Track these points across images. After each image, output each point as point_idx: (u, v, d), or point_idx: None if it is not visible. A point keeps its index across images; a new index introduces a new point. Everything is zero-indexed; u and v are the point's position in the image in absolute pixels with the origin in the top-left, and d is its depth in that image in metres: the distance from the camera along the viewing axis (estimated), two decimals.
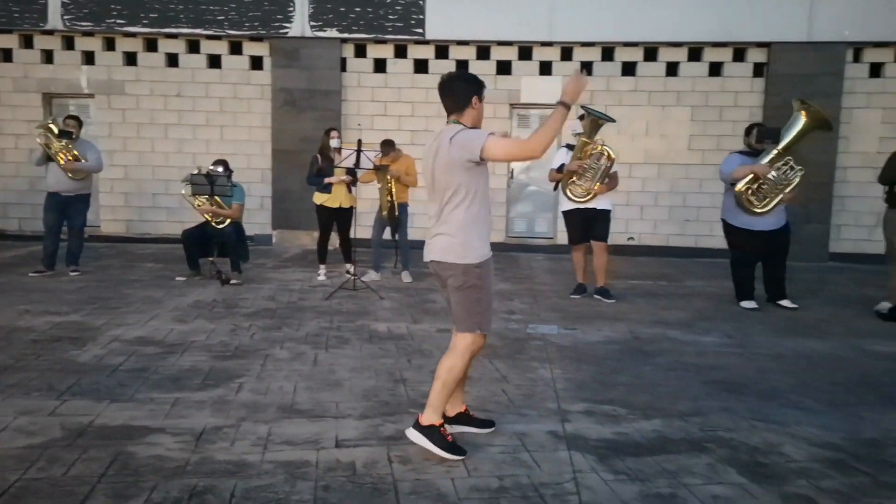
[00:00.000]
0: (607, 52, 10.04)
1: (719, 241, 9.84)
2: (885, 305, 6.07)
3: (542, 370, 4.26)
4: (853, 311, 6.27)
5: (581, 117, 6.62)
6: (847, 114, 9.62)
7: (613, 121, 6.61)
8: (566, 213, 6.73)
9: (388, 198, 7.07)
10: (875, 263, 8.85)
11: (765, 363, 4.54)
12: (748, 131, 6.46)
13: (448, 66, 10.14)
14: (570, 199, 6.60)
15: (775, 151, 6.04)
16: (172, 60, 10.32)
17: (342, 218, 7.46)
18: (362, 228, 8.10)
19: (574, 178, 6.54)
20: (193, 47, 10.29)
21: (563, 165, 6.58)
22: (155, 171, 10.46)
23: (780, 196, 6.07)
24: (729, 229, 6.41)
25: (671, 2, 9.51)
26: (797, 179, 6.05)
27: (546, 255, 9.97)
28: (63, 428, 3.16)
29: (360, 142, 6.53)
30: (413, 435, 2.97)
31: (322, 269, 7.52)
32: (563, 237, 10.05)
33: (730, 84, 9.88)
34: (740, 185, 6.11)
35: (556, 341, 4.99)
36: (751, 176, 6.06)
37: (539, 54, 10.08)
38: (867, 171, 9.56)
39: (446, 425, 3.01)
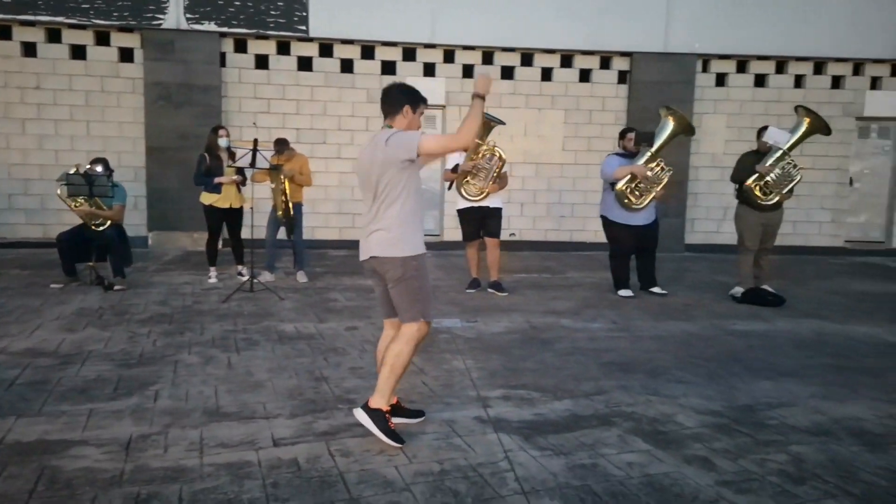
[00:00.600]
0: (487, 56, 10.47)
1: (591, 235, 10.71)
2: (738, 290, 6.89)
3: (455, 361, 4.50)
4: (712, 296, 7.04)
5: None
6: (697, 119, 10.66)
7: (503, 123, 6.97)
8: (461, 212, 7.02)
9: (283, 198, 7.01)
10: (723, 252, 9.95)
11: (648, 344, 5.05)
12: (623, 134, 7.05)
13: (333, 66, 10.15)
14: (464, 197, 6.90)
15: (649, 153, 6.66)
16: (30, 50, 9.54)
17: (232, 219, 7.31)
18: (251, 229, 7.95)
19: (468, 178, 6.84)
20: (54, 36, 9.56)
21: (457, 166, 6.86)
22: (11, 170, 9.62)
23: (654, 193, 6.70)
24: (608, 224, 6.98)
25: (545, 12, 10.08)
26: (667, 178, 6.70)
27: (435, 252, 10.22)
28: None
29: (256, 141, 6.44)
30: (359, 414, 3.15)
31: (213, 272, 7.33)
32: (449, 234, 10.43)
33: (598, 89, 10.64)
34: (620, 185, 6.69)
35: (462, 334, 5.25)
36: (629, 175, 6.64)
37: (423, 56, 10.33)
38: (715, 170, 10.71)
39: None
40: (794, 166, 6.60)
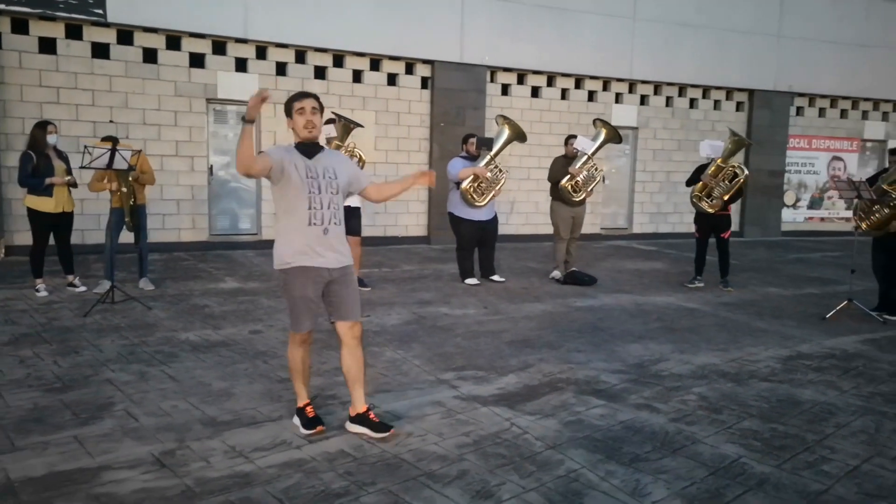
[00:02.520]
0: (300, 55, 10.57)
1: (403, 230, 11.50)
2: (557, 273, 8.18)
3: (388, 352, 4.90)
4: (538, 280, 8.23)
5: (330, 121, 7.21)
6: (488, 124, 11.99)
7: (361, 126, 7.33)
8: None
9: (131, 201, 6.54)
10: (532, 242, 11.41)
11: (525, 323, 5.93)
12: (465, 139, 7.88)
13: (135, 54, 9.43)
14: None
15: (489, 156, 7.57)
16: None
17: (63, 224, 6.63)
18: (76, 234, 7.24)
19: None
20: None
21: None
22: None
23: (494, 192, 7.64)
24: (455, 220, 7.77)
25: (355, 15, 10.50)
26: (504, 179, 7.69)
27: (255, 251, 10.11)
28: None
29: (115, 140, 5.95)
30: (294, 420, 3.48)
31: (41, 284, 6.55)
32: (267, 233, 10.37)
33: (404, 93, 11.37)
34: (465, 184, 7.50)
35: (367, 328, 5.60)
36: (472, 176, 7.49)
37: (234, 50, 10.08)
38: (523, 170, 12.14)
39: (348, 423, 3.43)
40: (596, 168, 8.05)
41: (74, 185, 6.58)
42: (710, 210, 7.77)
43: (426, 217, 11.78)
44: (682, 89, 13.65)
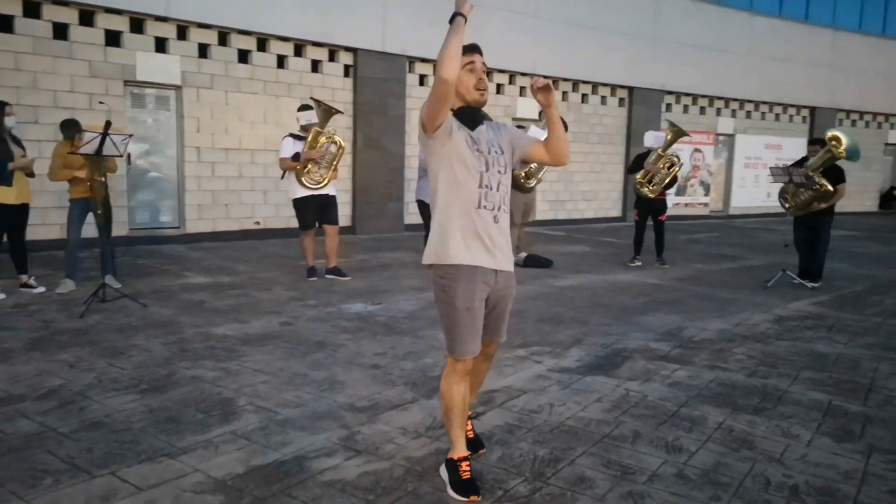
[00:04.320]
0: (223, 37, 10.01)
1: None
2: (520, 256, 8.59)
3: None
4: None
5: (306, 107, 7.04)
6: (408, 114, 12.12)
7: (341, 112, 7.19)
8: (298, 201, 7.04)
9: (105, 192, 5.95)
10: None
11: (531, 304, 6.22)
12: None
13: (44, 29, 8.46)
14: (305, 186, 6.95)
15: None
16: None
17: (18, 217, 5.93)
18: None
19: (309, 166, 6.93)
20: None
21: (298, 154, 6.87)
22: None
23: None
24: (426, 208, 7.87)
25: None
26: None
27: (185, 245, 9.48)
28: (213, 492, 2.54)
29: (108, 124, 5.38)
30: (441, 470, 2.74)
31: None
32: (192, 226, 9.79)
33: (328, 81, 11.17)
34: None
35: (395, 314, 5.63)
36: None
37: (154, 29, 9.33)
38: (418, 159, 12.34)
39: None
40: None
41: (32, 173, 5.88)
42: (650, 195, 8.57)
43: (350, 207, 11.64)
44: (575, 85, 14.63)
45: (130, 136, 5.86)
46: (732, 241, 12.30)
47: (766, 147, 18.36)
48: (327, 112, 6.94)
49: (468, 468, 2.66)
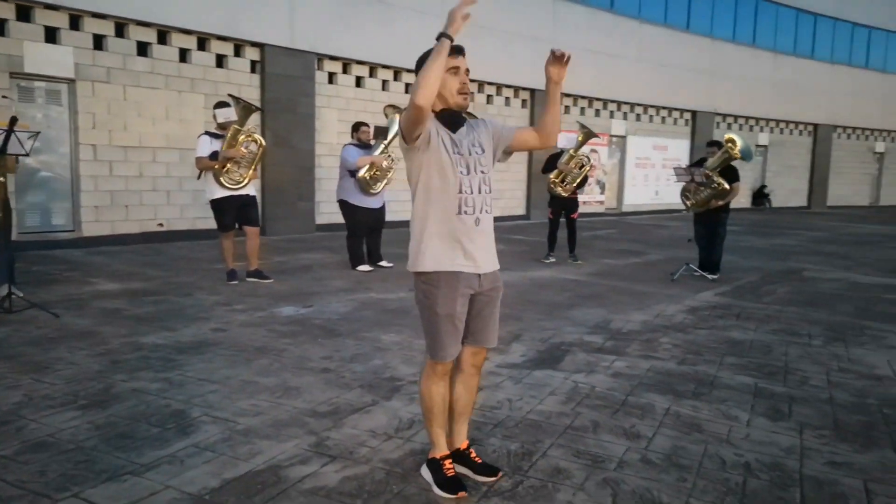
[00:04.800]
0: (120, 28, 9.43)
1: None
2: None
3: (385, 336, 4.97)
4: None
5: (223, 104, 6.79)
6: (318, 111, 11.92)
7: (261, 109, 6.96)
8: (217, 202, 6.77)
9: (4, 194, 5.47)
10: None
11: None
12: (357, 127, 7.90)
13: None
14: (224, 186, 6.70)
15: (384, 145, 7.75)
16: None
17: None
18: None
19: (228, 166, 6.68)
20: None
21: (216, 153, 6.61)
22: None
23: (387, 180, 7.84)
24: (350, 208, 7.78)
25: None
26: (394, 170, 7.94)
27: (81, 250, 8.86)
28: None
29: (14, 120, 4.92)
30: (424, 471, 2.75)
31: None
32: (89, 229, 9.19)
33: (233, 77, 10.78)
34: (363, 172, 7.58)
35: (318, 317, 5.55)
36: (369, 164, 7.61)
37: (43, 18, 8.65)
38: (331, 158, 12.17)
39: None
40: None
41: None
42: (564, 194, 8.90)
43: (260, 208, 11.27)
44: (481, 86, 14.91)
45: (38, 133, 5.41)
46: (630, 237, 12.98)
47: (654, 148, 19.51)
48: (247, 109, 6.72)
49: (451, 466, 2.70)
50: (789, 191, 24.01)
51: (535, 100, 15.90)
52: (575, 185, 8.90)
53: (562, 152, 8.97)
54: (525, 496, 2.63)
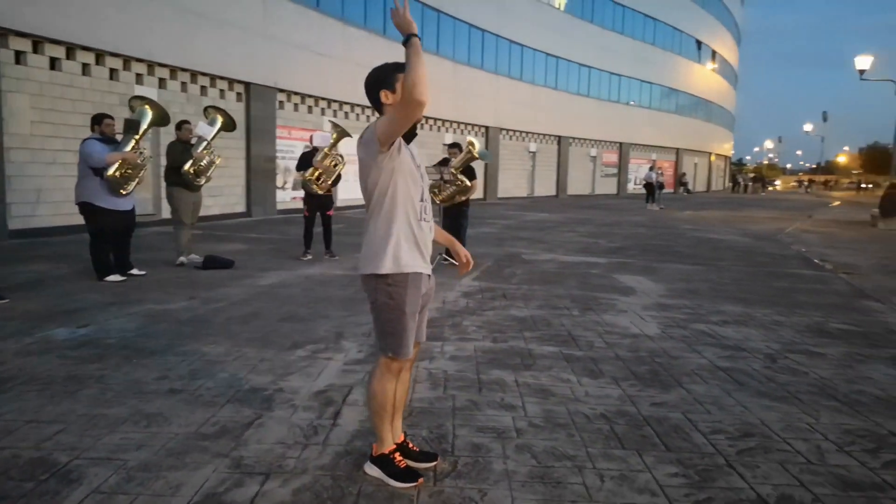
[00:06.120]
0: None
1: None
2: (194, 258, 8.11)
3: (206, 349, 4.66)
4: (177, 269, 7.94)
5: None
6: (4, 97, 10.03)
7: None
8: None
9: None
10: (72, 234, 10.03)
11: (248, 307, 6.14)
12: (99, 120, 6.93)
13: None
14: None
15: (134, 140, 6.96)
16: None
17: None
18: None
19: None
20: None
21: None
22: None
23: (138, 180, 7.08)
24: (96, 211, 6.83)
25: None
26: (147, 165, 7.20)
27: None
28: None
29: None
30: (370, 469, 2.84)
31: None
32: None
33: None
34: (112, 171, 6.74)
35: (108, 336, 4.95)
36: (120, 161, 6.80)
37: None
38: (25, 151, 10.40)
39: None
40: (214, 154, 8.31)
41: None
42: (319, 191, 9.02)
43: None
44: (194, 76, 14.03)
45: None
46: (357, 231, 13.52)
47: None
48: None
49: (402, 457, 2.84)
50: None
51: (251, 93, 15.49)
52: (330, 182, 9.07)
53: (315, 150, 9.06)
54: (469, 472, 2.89)
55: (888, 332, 5.85)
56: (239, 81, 15.21)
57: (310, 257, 9.13)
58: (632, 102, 39.54)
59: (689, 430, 3.46)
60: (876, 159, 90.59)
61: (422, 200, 2.73)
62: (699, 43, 46.65)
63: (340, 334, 5.17)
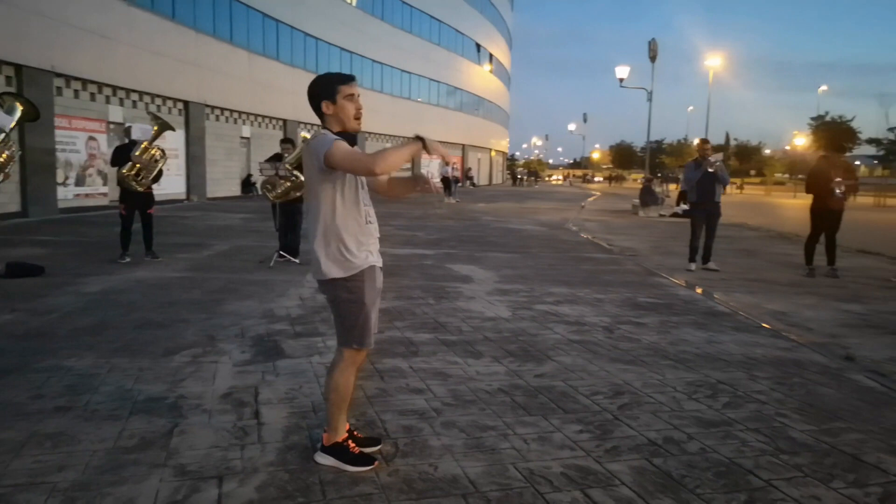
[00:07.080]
0: None
1: None
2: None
3: (69, 363, 4.26)
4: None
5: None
6: None
7: None
8: None
9: None
10: None
11: (93, 316, 5.66)
12: None
13: None
14: None
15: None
16: None
17: None
18: None
19: None
20: None
21: None
22: None
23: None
24: None
25: None
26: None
27: None
28: None
29: None
30: (322, 458, 2.93)
31: None
32: None
33: None
34: None
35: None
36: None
37: None
38: None
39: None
40: (14, 147, 7.42)
41: None
42: (140, 189, 8.40)
43: None
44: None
45: None
46: (168, 230, 12.70)
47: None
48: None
49: (354, 444, 2.97)
50: None
51: (23, 78, 13.68)
52: (151, 179, 8.49)
53: (133, 144, 8.41)
54: (414, 451, 3.11)
55: (684, 303, 7.02)
56: (8, 63, 13.37)
57: (129, 259, 8.47)
58: (420, 99, 41.14)
59: (574, 394, 3.98)
60: (622, 155, 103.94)
61: (366, 205, 2.89)
62: (478, 45, 49.84)
63: (212, 337, 5.00)
